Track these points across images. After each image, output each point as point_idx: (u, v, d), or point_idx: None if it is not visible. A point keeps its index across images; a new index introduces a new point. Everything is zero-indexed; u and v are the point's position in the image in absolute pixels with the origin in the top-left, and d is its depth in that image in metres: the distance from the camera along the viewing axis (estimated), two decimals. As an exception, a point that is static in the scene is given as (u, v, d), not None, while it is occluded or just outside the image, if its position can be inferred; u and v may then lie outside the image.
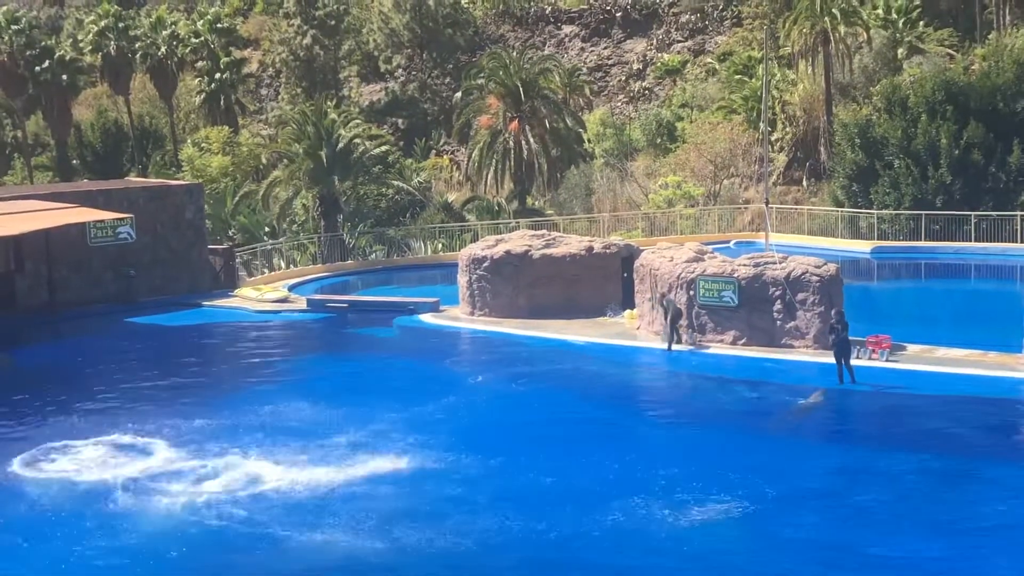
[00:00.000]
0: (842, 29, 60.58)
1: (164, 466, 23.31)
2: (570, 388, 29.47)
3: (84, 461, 23.84)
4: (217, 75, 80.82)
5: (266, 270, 49.04)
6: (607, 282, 37.29)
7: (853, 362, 28.92)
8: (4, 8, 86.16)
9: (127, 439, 25.31)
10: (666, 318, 31.93)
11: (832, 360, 28.39)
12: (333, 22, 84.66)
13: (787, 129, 66.54)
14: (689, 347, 31.97)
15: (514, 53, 68.07)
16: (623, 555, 18.54)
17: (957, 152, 49.65)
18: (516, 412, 27.38)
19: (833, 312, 28.63)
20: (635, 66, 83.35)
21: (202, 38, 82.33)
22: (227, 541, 19.57)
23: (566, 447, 24.31)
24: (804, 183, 64.67)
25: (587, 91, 75.30)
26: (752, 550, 18.66)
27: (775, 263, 31.79)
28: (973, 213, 48.64)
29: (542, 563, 18.59)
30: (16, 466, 23.70)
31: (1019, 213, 48.05)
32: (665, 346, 31.95)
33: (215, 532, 19.95)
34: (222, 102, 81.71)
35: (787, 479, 21.67)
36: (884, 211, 51.19)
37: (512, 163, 63.46)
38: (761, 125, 55.51)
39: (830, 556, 18.28)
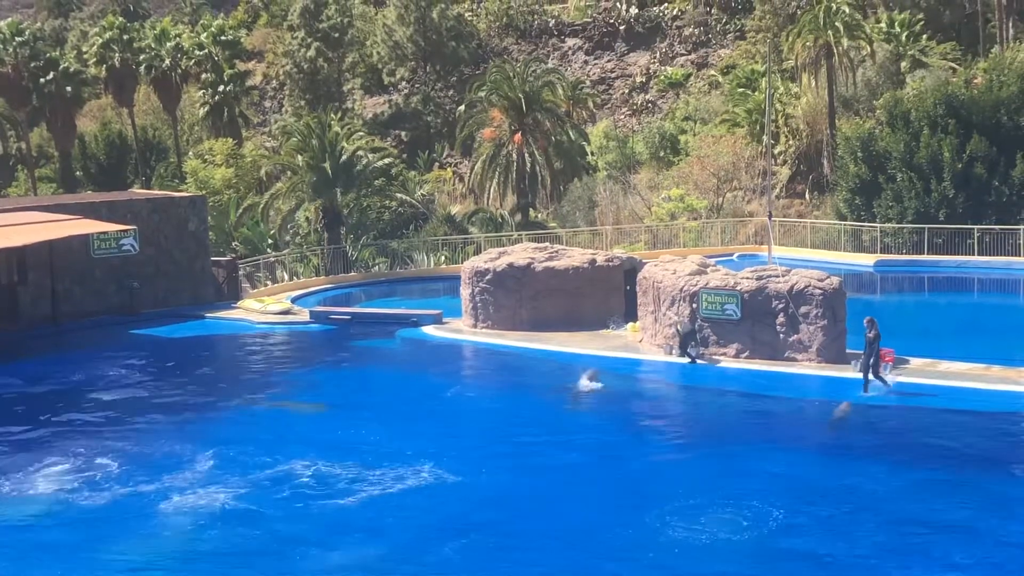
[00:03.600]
0: (845, 42, 60.67)
1: (172, 479, 23.28)
2: (574, 401, 29.44)
3: (97, 474, 23.84)
4: (221, 87, 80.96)
5: (269, 282, 49.06)
6: (610, 295, 37.28)
7: (857, 375, 29.04)
8: (8, 20, 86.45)
9: (138, 452, 25.33)
10: (681, 341, 31.97)
11: (838, 374, 28.45)
12: (337, 35, 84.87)
13: (790, 142, 66.60)
14: (689, 360, 31.92)
15: (517, 66, 68.20)
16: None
17: (960, 166, 49.70)
18: (521, 426, 27.33)
19: (865, 321, 28.65)
20: (638, 79, 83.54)
21: (206, 50, 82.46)
22: (237, 553, 19.59)
23: (576, 462, 24.29)
24: (807, 196, 64.68)
25: (590, 104, 75.49)
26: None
27: (778, 276, 31.78)
28: (976, 227, 48.65)
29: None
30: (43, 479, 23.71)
31: (1022, 227, 48.10)
32: (687, 360, 31.89)
33: (220, 544, 19.96)
34: (226, 114, 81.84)
35: (788, 494, 21.66)
36: (887, 224, 51.22)
37: (515, 176, 63.55)
38: (764, 138, 55.54)
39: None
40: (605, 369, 31.89)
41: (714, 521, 20.07)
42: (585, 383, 29.99)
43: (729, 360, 31.75)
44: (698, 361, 31.69)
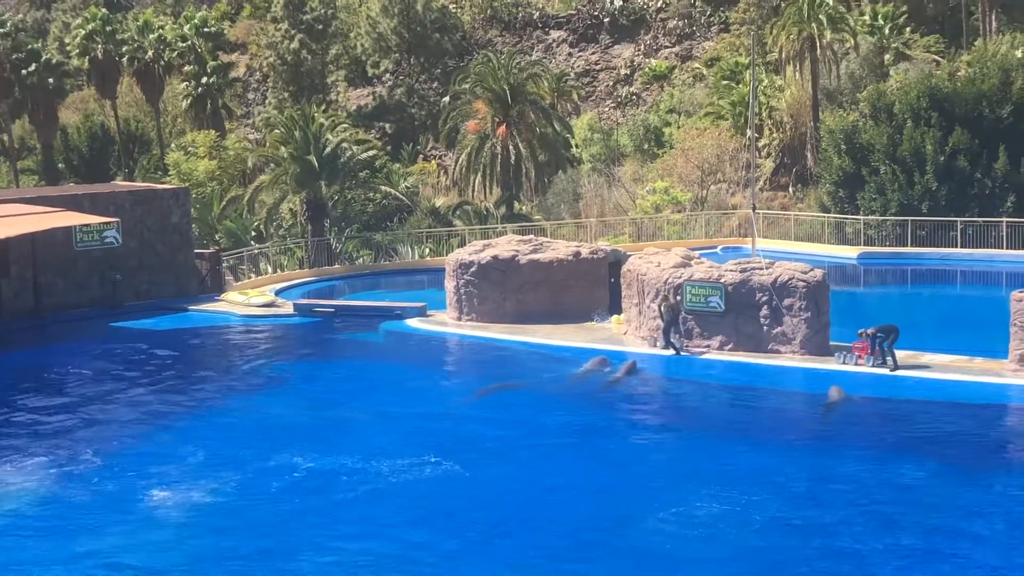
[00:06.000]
0: (829, 35, 60.80)
1: (155, 473, 23.18)
2: (558, 393, 29.45)
3: (77, 468, 23.73)
4: (204, 79, 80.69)
5: (253, 274, 48.92)
6: (594, 287, 37.29)
7: (840, 367, 29.36)
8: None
9: (119, 445, 25.24)
10: (667, 323, 32.00)
11: (821, 366, 28.64)
12: (321, 26, 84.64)
13: (774, 135, 66.71)
14: (673, 351, 31.96)
15: (502, 58, 68.12)
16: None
17: (943, 158, 49.82)
18: (507, 419, 27.30)
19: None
20: (623, 71, 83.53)
21: (189, 42, 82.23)
22: (224, 548, 19.54)
23: (563, 455, 24.30)
24: (791, 189, 64.84)
25: (575, 96, 75.47)
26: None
27: (762, 269, 31.83)
28: (959, 219, 48.78)
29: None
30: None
31: (1004, 219, 48.25)
32: (671, 352, 31.94)
33: (214, 540, 19.91)
34: (209, 106, 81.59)
35: (770, 485, 21.71)
36: (870, 217, 51.33)
37: (499, 168, 63.50)
38: (748, 131, 55.62)
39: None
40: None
41: (697, 513, 20.13)
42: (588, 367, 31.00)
43: (713, 352, 31.79)
44: (681, 352, 31.70)
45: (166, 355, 35.30)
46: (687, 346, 31.97)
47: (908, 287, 48.77)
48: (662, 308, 31.96)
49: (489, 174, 64.00)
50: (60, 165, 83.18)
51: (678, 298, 32.04)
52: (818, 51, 61.44)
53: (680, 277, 32.26)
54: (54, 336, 38.28)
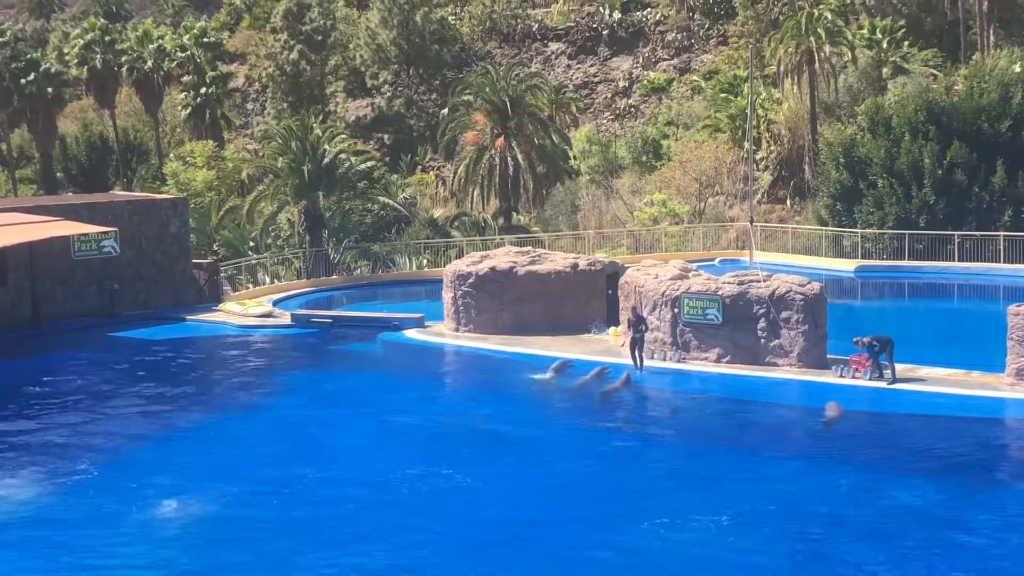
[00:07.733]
0: (827, 49, 60.90)
1: (151, 483, 23.13)
2: (555, 405, 29.45)
3: (72, 478, 23.69)
4: (203, 89, 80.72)
5: (251, 285, 48.92)
6: (592, 299, 37.31)
7: (837, 380, 29.35)
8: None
9: (114, 455, 25.20)
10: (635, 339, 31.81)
11: (818, 379, 28.75)
12: (320, 37, 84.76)
13: (772, 148, 66.77)
14: (676, 364, 31.99)
15: (501, 70, 68.21)
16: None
17: (940, 172, 49.88)
18: (504, 429, 27.30)
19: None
20: (621, 84, 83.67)
21: (188, 52, 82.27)
22: (218, 560, 19.51)
23: (554, 467, 24.28)
24: (788, 202, 64.89)
25: (573, 108, 75.60)
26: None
27: (759, 281, 31.84)
28: (956, 233, 48.84)
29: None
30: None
31: (1002, 233, 48.31)
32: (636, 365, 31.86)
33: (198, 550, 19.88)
34: (208, 116, 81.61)
35: (761, 501, 21.69)
36: (868, 230, 51.38)
37: (498, 179, 63.55)
38: (746, 144, 55.68)
39: None
40: (585, 373, 31.84)
41: (690, 525, 20.11)
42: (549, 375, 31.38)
43: (710, 365, 31.79)
44: (640, 370, 31.47)
45: (163, 365, 35.25)
46: (682, 357, 31.96)
47: (905, 300, 48.80)
48: (632, 321, 31.86)
49: (487, 185, 64.06)
50: (58, 174, 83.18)
51: (676, 310, 32.04)
52: (816, 64, 61.52)
53: (678, 289, 32.29)
54: (51, 345, 38.22)
